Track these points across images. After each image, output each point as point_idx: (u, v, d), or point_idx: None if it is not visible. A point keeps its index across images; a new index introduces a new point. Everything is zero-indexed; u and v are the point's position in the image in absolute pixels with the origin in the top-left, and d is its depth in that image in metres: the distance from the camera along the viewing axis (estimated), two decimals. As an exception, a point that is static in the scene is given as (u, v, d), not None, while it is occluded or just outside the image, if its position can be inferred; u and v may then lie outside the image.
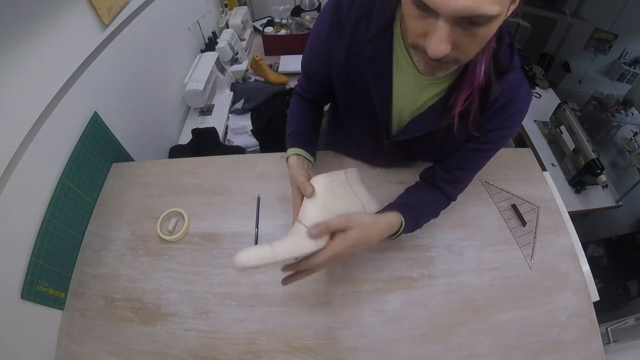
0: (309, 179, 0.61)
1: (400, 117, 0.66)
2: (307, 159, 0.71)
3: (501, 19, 0.41)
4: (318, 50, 0.66)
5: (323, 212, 0.58)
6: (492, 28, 0.42)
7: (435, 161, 0.73)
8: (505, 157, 0.96)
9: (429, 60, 0.46)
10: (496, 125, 0.61)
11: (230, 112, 1.58)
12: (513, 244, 0.80)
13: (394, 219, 0.63)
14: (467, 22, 0.40)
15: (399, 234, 0.64)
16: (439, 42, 0.41)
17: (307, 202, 0.58)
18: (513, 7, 0.42)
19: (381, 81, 0.61)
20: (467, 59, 0.48)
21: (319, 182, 0.60)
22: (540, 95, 2.34)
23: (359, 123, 0.72)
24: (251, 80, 1.74)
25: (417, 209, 0.67)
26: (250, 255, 0.50)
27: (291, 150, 0.71)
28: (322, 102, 0.80)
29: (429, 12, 0.40)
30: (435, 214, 0.73)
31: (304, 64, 0.73)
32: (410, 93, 0.62)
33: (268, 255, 0.51)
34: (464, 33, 0.42)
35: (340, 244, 0.55)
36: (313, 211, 0.57)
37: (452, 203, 0.74)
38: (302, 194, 0.59)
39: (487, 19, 0.39)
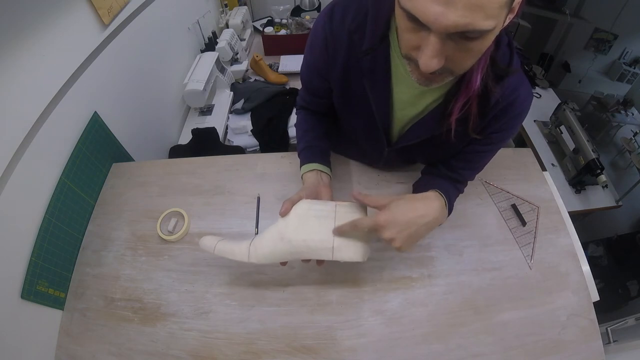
0: (317, 196, 0.65)
1: (401, 124, 0.66)
2: (324, 172, 0.72)
3: (496, 31, 0.40)
4: (315, 65, 0.66)
5: (282, 232, 0.59)
6: (487, 41, 0.41)
7: (437, 162, 0.73)
8: (505, 157, 0.96)
9: (422, 72, 0.45)
10: (499, 127, 0.61)
11: (230, 112, 1.58)
12: (513, 244, 0.80)
13: (427, 194, 0.62)
14: (460, 36, 0.39)
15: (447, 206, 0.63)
16: (430, 57, 0.41)
17: (280, 219, 0.61)
18: (511, 16, 0.41)
19: (380, 91, 0.61)
20: (461, 71, 0.47)
21: (298, 206, 0.61)
22: (540, 95, 2.34)
23: (359, 131, 0.72)
24: (251, 80, 1.74)
25: (439, 186, 0.66)
26: (205, 242, 0.64)
27: (307, 167, 0.71)
28: (328, 113, 0.78)
29: (422, 25, 0.39)
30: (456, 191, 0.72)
31: (303, 79, 0.72)
32: (410, 100, 0.61)
33: (210, 248, 0.63)
34: (457, 47, 0.41)
35: (381, 215, 0.55)
36: (272, 229, 0.61)
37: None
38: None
39: (481, 33, 0.38)
